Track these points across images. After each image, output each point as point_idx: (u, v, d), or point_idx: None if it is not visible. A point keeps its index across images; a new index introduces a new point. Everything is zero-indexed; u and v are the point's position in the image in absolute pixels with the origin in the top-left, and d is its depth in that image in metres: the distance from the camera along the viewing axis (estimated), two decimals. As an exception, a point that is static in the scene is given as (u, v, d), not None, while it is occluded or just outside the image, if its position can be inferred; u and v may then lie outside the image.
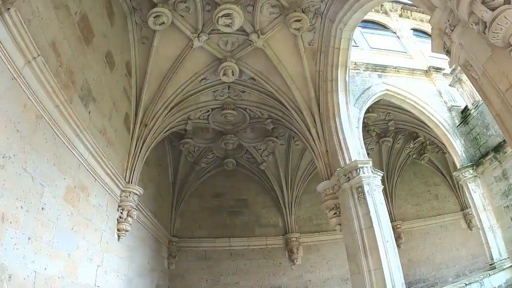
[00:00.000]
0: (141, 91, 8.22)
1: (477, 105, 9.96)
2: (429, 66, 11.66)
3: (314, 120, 8.67)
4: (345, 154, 7.64)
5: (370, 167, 7.23)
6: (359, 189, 6.97)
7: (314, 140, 8.55)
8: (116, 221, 6.90)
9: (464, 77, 10.65)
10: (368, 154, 14.10)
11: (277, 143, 11.91)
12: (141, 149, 7.99)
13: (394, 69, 10.90)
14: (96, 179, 6.11)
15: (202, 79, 9.19)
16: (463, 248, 14.31)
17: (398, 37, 13.30)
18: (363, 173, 7.04)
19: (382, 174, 7.72)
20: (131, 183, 7.47)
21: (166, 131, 9.38)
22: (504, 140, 9.99)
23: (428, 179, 15.83)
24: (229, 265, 12.04)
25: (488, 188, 9.19)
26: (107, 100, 6.75)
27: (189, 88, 9.09)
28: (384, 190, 14.28)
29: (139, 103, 8.20)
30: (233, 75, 8.89)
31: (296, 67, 8.83)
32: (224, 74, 8.86)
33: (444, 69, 11.79)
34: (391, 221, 13.87)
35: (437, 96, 11.01)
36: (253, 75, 9.13)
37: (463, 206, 15.22)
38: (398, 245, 13.29)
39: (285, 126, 10.00)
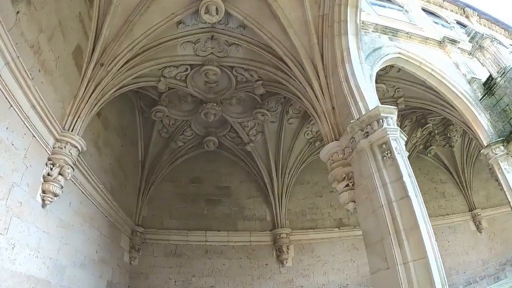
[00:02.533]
0: (102, 24, 6.36)
1: (503, 72, 8.45)
2: (444, 37, 10.19)
3: (317, 73, 6.91)
4: (360, 104, 5.83)
5: (396, 120, 5.44)
6: (384, 146, 5.07)
7: (316, 96, 6.75)
8: (42, 179, 4.88)
9: (486, 43, 9.32)
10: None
11: (268, 116, 10.01)
12: (92, 92, 6.06)
13: (406, 35, 9.37)
14: (11, 106, 4.21)
15: (180, 22, 7.41)
16: (473, 252, 12.80)
17: (406, 11, 11.83)
18: (388, 124, 5.21)
19: (406, 139, 5.91)
20: (72, 131, 5.48)
21: (133, 84, 7.55)
22: (544, 110, 8.57)
23: (434, 175, 14.31)
24: (204, 264, 9.91)
25: (522, 168, 7.53)
26: (50, 14, 4.99)
27: (163, 31, 7.30)
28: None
29: (98, 38, 6.34)
30: (217, 13, 7.09)
31: (295, 9, 7.11)
32: (207, 12, 7.06)
33: (459, 42, 10.36)
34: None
35: (454, 68, 9.44)
36: (243, 19, 7.35)
37: (471, 207, 13.88)
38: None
39: (280, 87, 8.22)
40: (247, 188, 11.27)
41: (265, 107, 9.83)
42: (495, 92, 8.53)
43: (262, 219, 10.91)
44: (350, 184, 5.67)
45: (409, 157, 12.49)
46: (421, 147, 13.58)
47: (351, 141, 5.60)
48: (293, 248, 10.60)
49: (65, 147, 5.26)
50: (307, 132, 11.17)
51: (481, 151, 8.06)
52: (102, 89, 6.35)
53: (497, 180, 7.96)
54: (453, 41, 10.16)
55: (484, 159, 8.25)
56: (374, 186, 4.97)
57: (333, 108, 6.52)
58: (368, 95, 5.95)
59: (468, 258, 12.57)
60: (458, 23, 13.84)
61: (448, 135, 13.35)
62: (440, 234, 12.68)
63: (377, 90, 9.44)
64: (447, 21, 13.17)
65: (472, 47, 9.41)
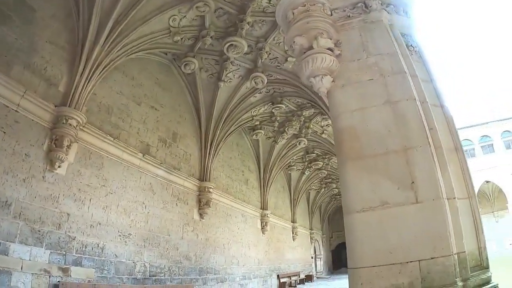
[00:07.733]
0: None
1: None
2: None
3: None
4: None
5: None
6: (407, 38, 3.54)
7: None
8: None
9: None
10: (228, 81, 10.17)
11: None
12: None
13: None
14: None
15: None
16: (253, 249, 12.30)
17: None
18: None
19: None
20: None
21: None
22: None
23: (246, 159, 13.35)
24: None
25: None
26: None
27: None
28: (200, 139, 10.39)
29: None
30: None
31: None
32: None
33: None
34: (206, 179, 9.98)
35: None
36: None
37: (263, 207, 13.54)
38: (201, 214, 9.42)
39: None
40: (57, 30, 6.50)
41: None
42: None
43: (52, 84, 6.36)
44: (336, 52, 3.33)
45: (238, 126, 10.96)
46: (257, 123, 12.17)
47: (359, 5, 3.53)
48: (76, 150, 6.58)
49: None
50: (174, 17, 7.96)
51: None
52: None
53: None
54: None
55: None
56: (398, 69, 3.06)
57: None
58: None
59: (249, 253, 11.96)
60: None
61: (286, 130, 12.67)
62: (233, 218, 11.51)
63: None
64: None
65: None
